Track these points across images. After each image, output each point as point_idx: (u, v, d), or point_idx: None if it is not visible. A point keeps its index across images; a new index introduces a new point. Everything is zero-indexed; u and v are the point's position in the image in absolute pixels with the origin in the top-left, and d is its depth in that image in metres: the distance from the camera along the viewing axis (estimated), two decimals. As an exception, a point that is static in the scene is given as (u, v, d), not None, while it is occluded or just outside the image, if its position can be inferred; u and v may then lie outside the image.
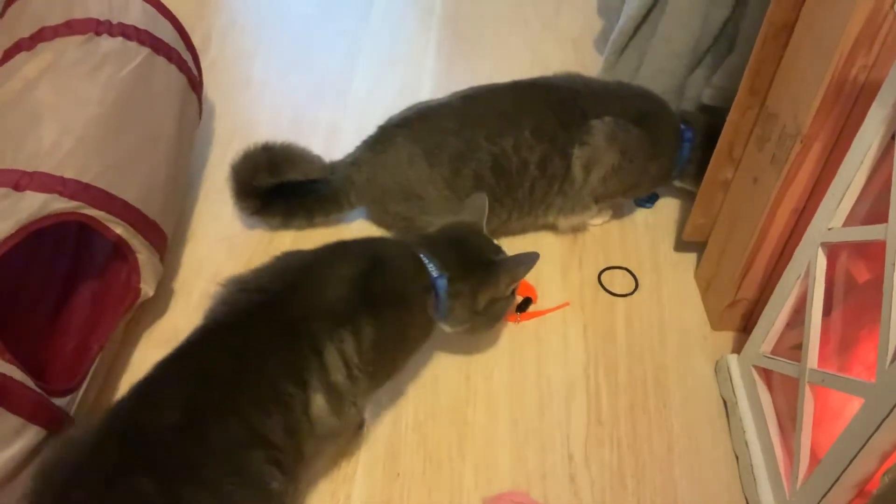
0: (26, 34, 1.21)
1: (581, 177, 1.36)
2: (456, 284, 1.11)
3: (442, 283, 1.10)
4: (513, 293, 1.19)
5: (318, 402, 0.96)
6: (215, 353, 0.94)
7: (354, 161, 1.39)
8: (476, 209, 1.22)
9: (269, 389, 0.92)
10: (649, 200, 1.56)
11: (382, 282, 1.04)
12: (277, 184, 1.34)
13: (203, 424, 0.87)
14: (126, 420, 0.87)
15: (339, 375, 0.97)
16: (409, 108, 1.40)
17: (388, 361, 1.07)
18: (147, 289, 1.17)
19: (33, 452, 0.93)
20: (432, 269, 1.10)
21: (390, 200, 1.38)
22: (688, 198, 1.49)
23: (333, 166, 1.40)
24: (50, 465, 0.85)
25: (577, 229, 1.48)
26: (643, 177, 1.43)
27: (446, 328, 1.15)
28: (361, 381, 1.00)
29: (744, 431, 1.14)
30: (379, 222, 1.44)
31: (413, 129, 1.35)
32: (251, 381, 0.91)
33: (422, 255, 1.11)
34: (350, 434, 1.12)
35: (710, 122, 1.42)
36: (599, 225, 1.50)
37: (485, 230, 1.21)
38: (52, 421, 0.96)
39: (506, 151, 1.32)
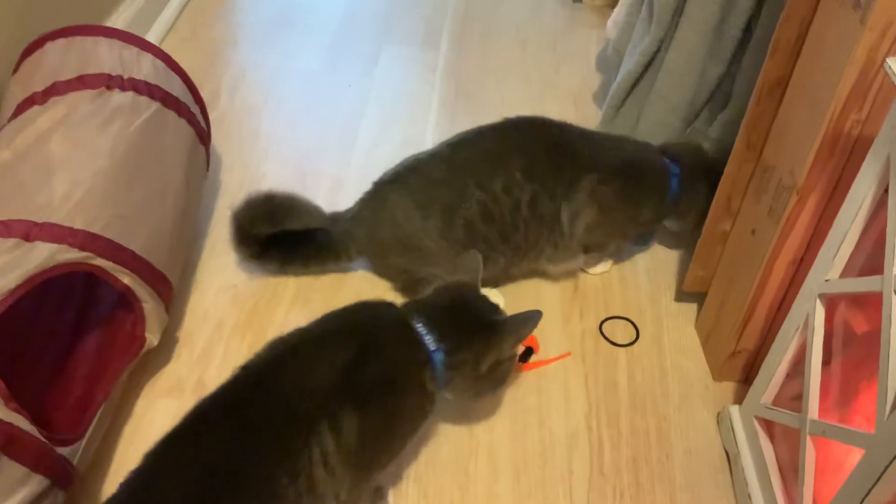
0: (40, 88, 1.24)
1: (568, 228, 1.37)
2: (456, 355, 1.06)
3: (439, 356, 1.05)
4: (515, 353, 1.16)
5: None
6: (206, 444, 0.91)
7: (353, 217, 1.41)
8: (470, 268, 1.18)
9: (261, 480, 0.89)
10: (643, 242, 1.57)
11: (370, 368, 0.99)
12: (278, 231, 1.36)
13: None
14: None
15: (319, 470, 0.93)
16: (401, 163, 1.41)
17: (380, 450, 1.02)
18: (152, 338, 1.17)
19: (36, 502, 0.93)
20: (429, 342, 1.05)
21: (390, 254, 1.39)
22: (688, 248, 1.50)
23: (335, 218, 1.42)
24: None
25: (572, 274, 1.50)
26: (631, 224, 1.45)
27: (448, 396, 1.11)
28: (343, 474, 0.96)
29: (746, 483, 1.14)
30: (381, 275, 1.45)
31: (404, 183, 1.37)
32: (242, 473, 0.88)
33: (418, 325, 1.06)
34: None
35: (696, 154, 1.45)
36: (600, 274, 1.52)
37: (480, 288, 1.17)
38: (56, 471, 0.96)
39: (496, 196, 1.32)
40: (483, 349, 1.09)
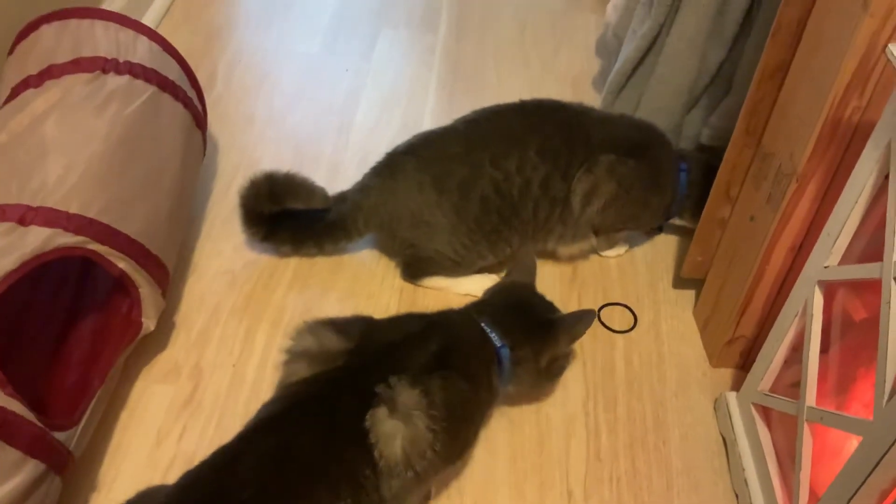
0: (34, 71, 1.23)
1: (580, 207, 1.37)
2: (518, 351, 1.11)
3: (505, 353, 1.10)
4: (571, 350, 1.20)
5: (393, 483, 0.94)
6: (297, 429, 0.93)
7: (363, 187, 1.40)
8: (526, 268, 1.23)
9: (346, 472, 0.91)
10: (657, 232, 1.59)
11: (455, 361, 1.03)
12: (285, 211, 1.36)
13: None
14: (205, 487, 0.89)
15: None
16: (414, 137, 1.42)
17: (458, 438, 1.04)
18: (148, 323, 1.17)
19: (32, 487, 0.93)
20: (495, 339, 1.10)
21: (398, 226, 1.39)
22: (686, 235, 1.50)
23: (341, 195, 1.41)
24: None
25: (576, 258, 1.50)
26: (642, 209, 1.45)
27: (510, 390, 1.15)
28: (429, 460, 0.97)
29: (743, 469, 1.14)
30: (386, 249, 1.45)
31: (420, 156, 1.37)
32: (328, 463, 0.91)
33: (483, 325, 1.11)
34: None
35: (706, 158, 1.45)
36: (615, 257, 1.52)
37: (537, 288, 1.22)
38: (52, 456, 0.96)
39: (509, 174, 1.33)
40: (541, 346, 1.14)
